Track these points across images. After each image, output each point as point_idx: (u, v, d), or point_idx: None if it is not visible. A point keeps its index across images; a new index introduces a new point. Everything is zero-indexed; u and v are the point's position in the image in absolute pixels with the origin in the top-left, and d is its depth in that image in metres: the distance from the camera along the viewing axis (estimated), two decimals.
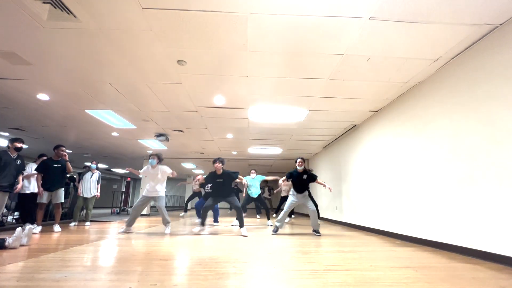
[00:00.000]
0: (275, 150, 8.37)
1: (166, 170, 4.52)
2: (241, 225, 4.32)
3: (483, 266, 2.31)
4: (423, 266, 2.28)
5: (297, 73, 3.47)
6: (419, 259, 2.54)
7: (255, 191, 6.28)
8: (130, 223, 4.42)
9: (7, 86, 3.88)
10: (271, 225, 5.76)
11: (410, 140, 3.76)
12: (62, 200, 4.60)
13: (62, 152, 4.54)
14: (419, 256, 2.69)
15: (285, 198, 7.62)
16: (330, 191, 5.09)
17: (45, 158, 4.85)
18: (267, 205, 6.28)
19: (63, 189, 4.59)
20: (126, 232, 4.35)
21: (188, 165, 11.95)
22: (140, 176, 4.64)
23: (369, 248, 3.12)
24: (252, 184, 6.35)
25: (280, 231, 4.82)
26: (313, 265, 2.26)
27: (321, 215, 8.12)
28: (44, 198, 4.31)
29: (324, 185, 4.51)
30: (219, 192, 4.41)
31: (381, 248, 3.17)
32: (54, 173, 4.44)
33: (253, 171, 6.52)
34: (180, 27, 2.58)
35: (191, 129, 6.17)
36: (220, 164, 4.28)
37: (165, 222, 4.45)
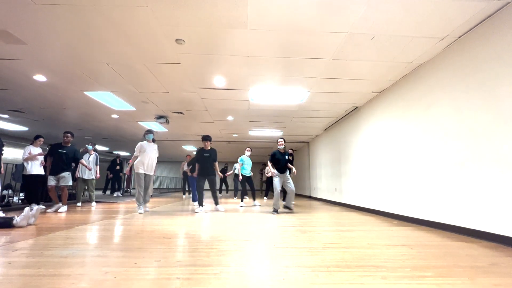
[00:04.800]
0: (275, 133, 8.35)
1: (156, 150, 4.89)
2: (216, 203, 5.03)
3: (477, 244, 2.38)
4: (418, 244, 2.35)
5: (299, 53, 3.38)
6: (415, 238, 2.62)
7: (249, 170, 6.43)
8: (145, 201, 4.71)
9: (3, 66, 3.80)
10: (259, 205, 6.10)
11: (412, 122, 3.73)
12: (68, 183, 4.77)
13: (65, 139, 4.83)
14: (415, 235, 2.76)
15: (271, 180, 7.72)
16: (294, 174, 5.20)
17: (42, 139, 5.12)
18: (254, 186, 6.47)
19: (68, 173, 4.75)
20: (146, 211, 4.74)
21: (189, 148, 12.00)
22: (138, 158, 4.65)
23: (367, 228, 3.20)
24: (247, 162, 6.42)
25: (278, 210, 4.93)
26: (312, 243, 2.33)
27: (321, 196, 8.29)
28: (52, 181, 4.60)
29: (292, 169, 4.88)
30: (204, 168, 4.89)
31: (378, 227, 3.25)
32: (57, 158, 4.70)
33: (248, 148, 6.56)
34: (177, 3, 2.47)
35: (191, 111, 6.12)
36: (208, 142, 4.99)
37: (146, 200, 4.73)
